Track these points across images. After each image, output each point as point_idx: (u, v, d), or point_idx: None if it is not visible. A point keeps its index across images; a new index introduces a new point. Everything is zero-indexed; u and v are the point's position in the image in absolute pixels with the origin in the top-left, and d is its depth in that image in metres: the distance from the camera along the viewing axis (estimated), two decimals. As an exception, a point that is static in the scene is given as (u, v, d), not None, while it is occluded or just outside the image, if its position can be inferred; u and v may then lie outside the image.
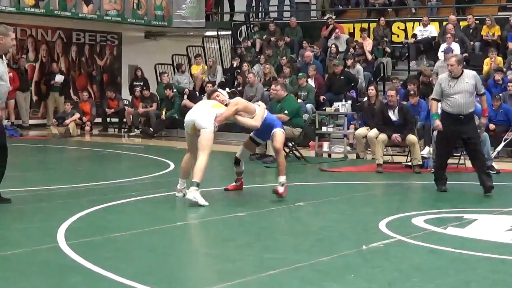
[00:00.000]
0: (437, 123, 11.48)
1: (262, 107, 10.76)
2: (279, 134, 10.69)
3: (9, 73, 18.45)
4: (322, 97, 19.81)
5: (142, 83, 24.06)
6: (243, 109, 10.54)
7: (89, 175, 13.33)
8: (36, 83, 24.98)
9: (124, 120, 23.39)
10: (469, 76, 11.22)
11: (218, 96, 10.71)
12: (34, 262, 6.62)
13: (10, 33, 9.46)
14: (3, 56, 9.69)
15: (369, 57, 21.58)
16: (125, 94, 25.71)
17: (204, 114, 10.17)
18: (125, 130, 23.33)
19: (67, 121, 21.67)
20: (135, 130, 22.74)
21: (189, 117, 10.30)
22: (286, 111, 15.21)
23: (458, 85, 11.09)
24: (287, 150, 15.77)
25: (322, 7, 26.87)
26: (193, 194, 9.67)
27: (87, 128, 22.70)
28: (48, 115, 24.34)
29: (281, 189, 10.39)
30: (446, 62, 11.48)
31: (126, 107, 23.66)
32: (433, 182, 11.73)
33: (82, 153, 18.00)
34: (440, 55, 20.40)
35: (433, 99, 11.56)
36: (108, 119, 23.81)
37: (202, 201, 9.67)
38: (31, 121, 24.25)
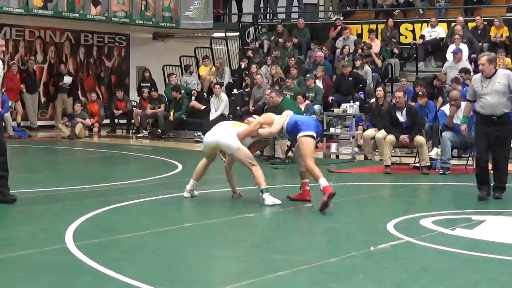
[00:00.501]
0: (463, 127, 11.41)
1: (283, 114, 10.44)
2: (303, 144, 10.09)
3: (15, 75, 18.55)
4: (330, 98, 19.80)
5: (150, 84, 24.07)
6: (265, 122, 10.40)
7: (97, 176, 13.34)
8: (45, 84, 25.03)
9: (132, 121, 23.41)
10: (501, 76, 10.71)
11: (248, 122, 10.63)
12: (42, 263, 6.62)
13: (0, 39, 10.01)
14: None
15: (378, 62, 21.49)
16: (133, 95, 25.74)
17: (225, 135, 10.21)
18: (133, 131, 23.35)
19: (77, 119, 21.64)
20: (143, 131, 22.76)
21: (209, 138, 10.33)
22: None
23: (491, 85, 10.62)
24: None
25: (330, 9, 26.85)
26: (268, 199, 10.01)
27: (95, 129, 22.72)
28: (57, 116, 24.36)
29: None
30: (478, 62, 11.06)
31: (134, 109, 23.68)
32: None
33: (90, 154, 18.03)
34: (449, 56, 20.37)
35: (467, 100, 11.29)
36: (116, 121, 23.83)
37: (275, 200, 10.06)
38: (40, 123, 24.29)
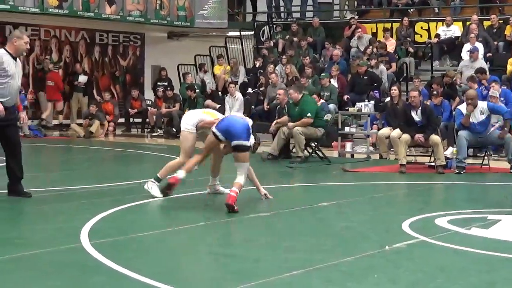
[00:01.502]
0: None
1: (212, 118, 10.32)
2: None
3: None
4: (345, 97, 19.77)
5: (166, 83, 24.10)
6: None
7: (112, 175, 13.36)
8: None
9: (147, 120, 23.45)
10: None
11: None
12: (57, 262, 6.64)
13: (24, 37, 10.06)
14: (18, 58, 10.17)
15: (393, 66, 21.36)
16: (148, 94, 25.78)
17: (188, 117, 10.52)
18: (148, 130, 23.40)
19: (96, 120, 21.72)
20: (158, 130, 22.79)
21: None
22: (309, 114, 15.22)
23: None
24: (310, 150, 15.77)
25: (345, 7, 26.81)
26: (149, 184, 10.36)
27: (110, 128, 22.76)
28: (72, 115, 24.43)
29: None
30: None
31: (149, 108, 23.72)
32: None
33: (105, 154, 18.06)
34: (464, 55, 20.30)
35: None
36: (131, 120, 23.87)
37: (155, 193, 10.26)
38: (55, 121, 24.36)
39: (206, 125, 10.26)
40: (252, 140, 10.00)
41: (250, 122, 10.09)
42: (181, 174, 10.07)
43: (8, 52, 9.83)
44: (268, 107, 20.43)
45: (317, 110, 15.74)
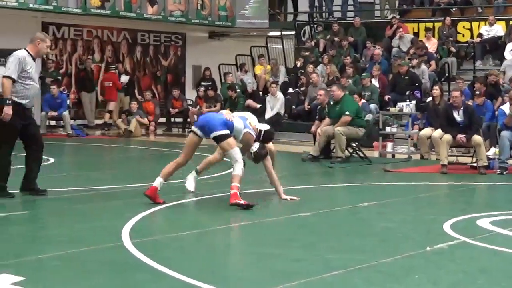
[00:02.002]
0: None
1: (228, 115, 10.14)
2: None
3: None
4: (387, 97, 19.69)
5: (210, 83, 24.15)
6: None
7: (153, 175, 13.38)
8: (102, 83, 25.27)
9: (188, 120, 23.54)
10: None
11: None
12: (99, 261, 6.70)
13: (47, 40, 10.15)
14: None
15: (433, 64, 21.18)
16: (189, 94, 25.87)
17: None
18: (189, 130, 23.46)
19: (134, 116, 21.84)
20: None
21: None
22: (347, 112, 15.19)
23: None
24: (351, 151, 15.74)
25: (386, 7, 26.70)
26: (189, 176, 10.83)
27: (151, 128, 22.87)
28: (114, 114, 24.59)
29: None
30: None
31: (190, 107, 23.81)
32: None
33: (146, 153, 18.16)
34: (507, 54, 20.12)
35: None
36: (172, 119, 23.97)
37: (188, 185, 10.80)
38: (97, 121, 24.54)
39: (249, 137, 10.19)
40: (255, 147, 10.03)
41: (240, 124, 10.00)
42: (157, 182, 9.89)
43: (29, 54, 9.92)
44: (309, 107, 20.40)
45: (357, 109, 15.70)
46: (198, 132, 9.86)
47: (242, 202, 9.37)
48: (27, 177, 10.12)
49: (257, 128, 10.35)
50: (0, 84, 9.73)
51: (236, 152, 9.70)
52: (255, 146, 10.04)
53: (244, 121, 10.11)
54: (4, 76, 9.66)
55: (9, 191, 9.88)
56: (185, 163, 10.16)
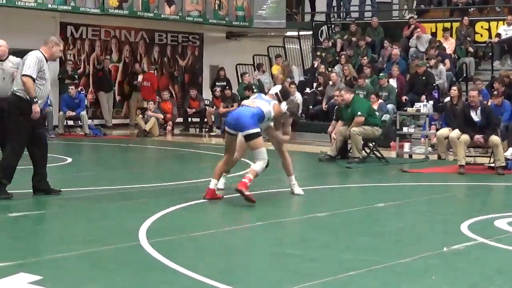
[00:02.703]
0: None
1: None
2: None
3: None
4: (404, 98, 19.65)
5: (225, 83, 24.17)
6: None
7: (170, 175, 13.47)
8: (119, 83, 25.34)
9: (205, 120, 23.58)
10: None
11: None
12: (116, 260, 6.73)
13: (61, 45, 10.33)
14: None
15: (447, 63, 21.08)
16: (206, 94, 25.89)
17: None
18: (206, 130, 23.51)
19: (150, 113, 21.85)
20: (216, 129, 22.90)
21: None
22: (359, 113, 15.17)
23: None
24: (368, 151, 15.72)
25: (405, 7, 26.63)
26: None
27: (168, 127, 22.92)
28: (131, 114, 24.67)
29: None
30: None
31: (207, 107, 23.85)
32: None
33: (164, 153, 18.21)
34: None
35: None
36: (189, 119, 24.01)
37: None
38: (114, 121, 24.62)
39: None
40: (284, 107, 10.35)
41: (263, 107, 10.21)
42: (212, 184, 10.13)
43: (43, 55, 9.97)
44: (326, 106, 20.40)
45: (369, 108, 15.63)
46: (231, 131, 10.06)
47: (247, 193, 9.60)
48: (37, 176, 10.11)
49: (272, 95, 10.60)
50: (22, 83, 9.76)
51: (263, 152, 9.92)
52: (284, 106, 10.35)
53: (264, 99, 10.35)
54: (24, 75, 9.70)
55: (8, 192, 9.84)
56: (233, 160, 10.42)
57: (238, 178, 11.98)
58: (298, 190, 10.67)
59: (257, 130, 9.93)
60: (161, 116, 22.23)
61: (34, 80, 9.72)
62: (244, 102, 10.49)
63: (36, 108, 9.70)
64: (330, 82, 21.01)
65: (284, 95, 10.64)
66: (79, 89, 22.56)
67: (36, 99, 9.71)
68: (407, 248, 7.47)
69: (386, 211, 9.84)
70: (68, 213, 9.21)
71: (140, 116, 22.39)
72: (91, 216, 8.98)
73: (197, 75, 27.70)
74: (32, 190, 10.10)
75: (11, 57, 10.64)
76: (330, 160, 15.35)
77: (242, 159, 11.03)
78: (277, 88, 10.79)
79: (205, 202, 10.06)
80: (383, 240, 7.84)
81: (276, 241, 7.84)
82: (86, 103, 22.09)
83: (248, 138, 9.93)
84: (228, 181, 10.83)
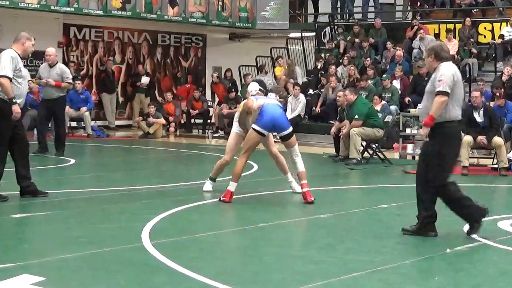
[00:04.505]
0: None
1: (254, 108, 10.18)
2: (248, 135, 10.24)
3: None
4: (407, 99, 19.65)
5: (231, 85, 24.15)
6: (247, 109, 10.47)
7: (174, 176, 13.47)
8: (122, 84, 25.36)
9: (208, 121, 23.58)
10: None
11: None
12: (120, 261, 6.73)
13: (32, 39, 10.07)
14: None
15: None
16: (209, 95, 25.88)
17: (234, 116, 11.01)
18: (212, 131, 23.52)
19: (152, 119, 21.83)
20: (220, 131, 22.89)
21: None
22: (356, 116, 15.18)
23: None
24: (371, 152, 15.70)
25: (408, 8, 26.64)
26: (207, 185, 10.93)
27: (171, 129, 22.93)
28: (134, 116, 24.68)
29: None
30: None
31: (210, 108, 23.86)
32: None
33: (167, 154, 18.20)
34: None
35: None
36: (192, 120, 24.02)
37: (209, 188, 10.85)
38: (117, 122, 24.63)
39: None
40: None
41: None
42: (232, 187, 10.12)
43: (17, 53, 9.81)
44: (320, 110, 20.58)
45: (368, 112, 15.56)
46: (265, 132, 10.06)
47: (313, 198, 9.93)
48: (21, 179, 9.95)
49: (258, 92, 10.71)
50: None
51: (297, 148, 10.19)
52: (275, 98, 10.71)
53: (260, 97, 10.45)
54: (0, 76, 9.48)
55: (2, 195, 9.76)
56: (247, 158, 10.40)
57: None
58: (297, 187, 10.70)
59: (291, 129, 10.15)
60: (163, 121, 22.19)
61: (10, 80, 9.55)
62: (260, 102, 10.28)
63: (16, 108, 9.51)
64: (333, 84, 20.98)
65: (264, 86, 10.86)
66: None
67: (15, 100, 9.52)
68: (410, 250, 7.46)
69: (389, 212, 9.83)
70: (71, 214, 9.21)
71: (143, 122, 22.36)
72: (94, 217, 8.99)
73: (200, 76, 27.70)
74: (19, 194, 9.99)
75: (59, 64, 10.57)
76: (342, 160, 15.35)
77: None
78: (255, 86, 10.78)
79: (208, 204, 10.06)
80: (386, 242, 7.83)
81: (279, 242, 7.84)
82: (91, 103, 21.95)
83: (288, 137, 10.09)
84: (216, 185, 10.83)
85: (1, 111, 9.56)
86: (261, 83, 10.95)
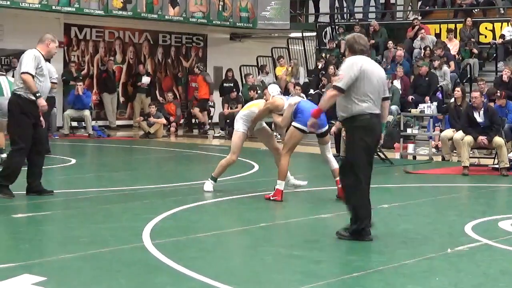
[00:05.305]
0: None
1: (289, 103, 10.39)
2: (289, 133, 10.30)
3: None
4: (410, 97, 19.62)
5: (232, 85, 24.14)
6: (273, 107, 10.55)
7: (174, 176, 13.47)
8: (123, 84, 25.36)
9: (210, 121, 23.59)
10: None
11: (265, 94, 11.19)
12: (120, 261, 6.73)
13: (57, 41, 10.34)
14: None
15: (452, 65, 21.07)
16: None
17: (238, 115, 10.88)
18: (213, 132, 23.51)
19: (152, 119, 21.82)
20: (220, 131, 22.89)
21: None
22: None
23: None
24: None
25: (409, 8, 26.62)
26: (208, 185, 10.88)
27: (172, 129, 22.93)
28: (135, 116, 24.67)
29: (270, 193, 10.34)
30: None
31: (212, 109, 23.86)
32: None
33: (167, 154, 18.20)
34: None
35: None
36: (193, 120, 24.00)
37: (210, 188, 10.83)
38: (118, 122, 24.63)
39: (255, 120, 10.63)
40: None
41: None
42: (281, 185, 10.20)
43: (40, 53, 10.00)
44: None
45: None
46: (307, 129, 9.93)
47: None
48: (32, 176, 10.06)
49: (278, 93, 10.99)
50: (21, 82, 9.77)
51: (330, 146, 10.41)
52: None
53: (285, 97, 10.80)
54: (23, 73, 9.72)
55: (11, 192, 9.83)
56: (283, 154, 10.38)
57: (238, 180, 12.00)
58: (296, 182, 10.73)
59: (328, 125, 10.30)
60: (164, 121, 22.18)
61: (33, 76, 9.75)
62: (292, 100, 10.44)
63: (41, 101, 9.75)
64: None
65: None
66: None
67: (39, 94, 9.74)
68: (411, 250, 7.46)
69: (390, 212, 9.83)
70: (72, 214, 9.22)
71: (143, 122, 22.35)
72: (95, 217, 8.99)
73: (201, 76, 27.66)
74: (25, 190, 10.07)
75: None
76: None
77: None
78: (276, 88, 10.92)
79: (209, 204, 10.05)
80: (387, 242, 7.83)
81: (280, 242, 7.84)
82: (90, 104, 21.95)
83: (325, 133, 10.30)
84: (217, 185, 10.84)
85: (21, 108, 9.82)
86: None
